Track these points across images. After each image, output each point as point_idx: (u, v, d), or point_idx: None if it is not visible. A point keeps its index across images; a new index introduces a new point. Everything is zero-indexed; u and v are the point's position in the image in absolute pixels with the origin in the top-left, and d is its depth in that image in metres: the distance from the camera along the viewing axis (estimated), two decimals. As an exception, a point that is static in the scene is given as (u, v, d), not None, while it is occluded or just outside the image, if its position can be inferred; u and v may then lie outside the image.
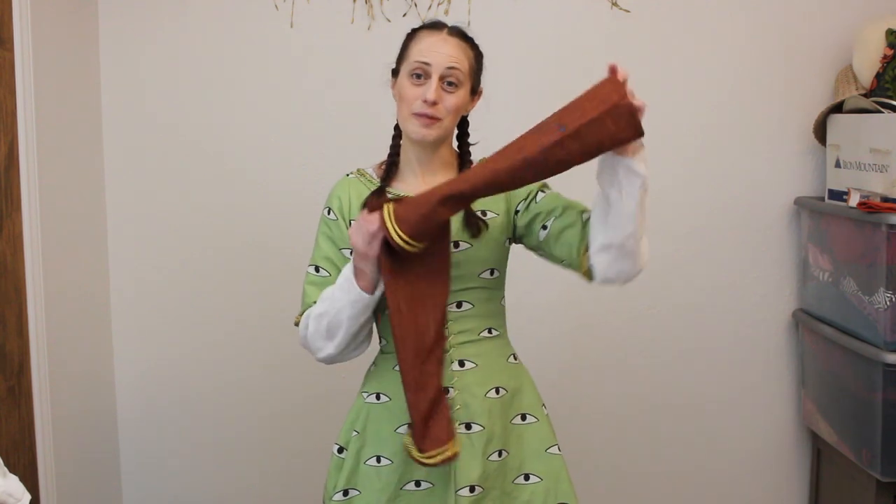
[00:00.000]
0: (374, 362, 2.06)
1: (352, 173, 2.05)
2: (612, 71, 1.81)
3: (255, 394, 3.08)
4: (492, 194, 1.82)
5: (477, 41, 1.99)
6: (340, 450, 2.04)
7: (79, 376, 2.86)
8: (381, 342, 2.04)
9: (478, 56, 1.98)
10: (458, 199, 1.77)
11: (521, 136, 1.78)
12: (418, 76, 1.91)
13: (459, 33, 1.96)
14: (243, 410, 3.10)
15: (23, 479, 1.93)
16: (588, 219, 1.90)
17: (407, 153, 2.00)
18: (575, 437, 3.02)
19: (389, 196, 1.85)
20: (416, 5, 2.91)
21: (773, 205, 3.00)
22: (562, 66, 2.96)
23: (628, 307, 3.03)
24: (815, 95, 2.95)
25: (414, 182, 1.99)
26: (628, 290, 3.00)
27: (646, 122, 3.10)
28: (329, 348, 1.92)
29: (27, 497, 1.79)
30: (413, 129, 1.92)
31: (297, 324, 1.99)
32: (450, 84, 1.91)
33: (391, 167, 2.01)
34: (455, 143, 2.05)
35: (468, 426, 1.95)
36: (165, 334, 3.08)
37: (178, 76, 2.99)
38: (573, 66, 2.96)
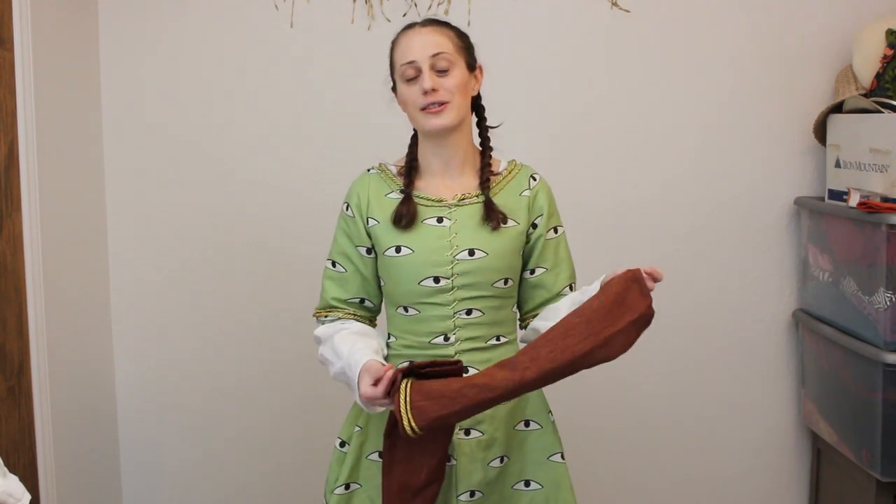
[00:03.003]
0: None
1: (373, 168, 2.06)
2: (647, 276, 1.86)
3: (256, 393, 3.08)
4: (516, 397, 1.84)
5: (455, 24, 2.00)
6: (342, 444, 2.05)
7: (79, 376, 2.86)
8: (388, 338, 2.05)
9: (460, 34, 1.99)
10: (482, 407, 1.77)
11: (550, 339, 1.80)
12: (410, 78, 1.93)
13: (432, 22, 1.98)
14: (244, 410, 3.09)
15: (23, 479, 1.92)
16: (563, 294, 2.01)
17: (426, 156, 2.01)
18: (574, 436, 3.01)
19: (407, 365, 1.81)
20: (416, 5, 2.91)
21: (773, 205, 3.00)
22: (562, 66, 2.96)
23: (628, 307, 3.03)
24: (815, 95, 2.95)
25: (434, 182, 2.00)
26: (628, 290, 3.02)
27: (646, 122, 3.13)
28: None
29: (27, 497, 1.79)
30: (426, 122, 1.94)
31: (315, 316, 2.05)
32: (441, 71, 1.92)
33: (411, 171, 2.02)
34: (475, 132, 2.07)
35: (467, 432, 1.95)
36: (165, 334, 3.08)
37: (178, 76, 2.99)
38: (573, 65, 2.96)
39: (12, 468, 2.09)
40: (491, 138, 2.05)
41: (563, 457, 2.03)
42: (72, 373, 2.80)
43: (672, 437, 3.08)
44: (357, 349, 1.89)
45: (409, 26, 1.98)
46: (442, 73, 1.92)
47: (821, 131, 2.85)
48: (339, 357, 1.92)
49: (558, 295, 2.02)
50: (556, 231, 2.04)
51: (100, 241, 3.01)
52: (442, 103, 1.92)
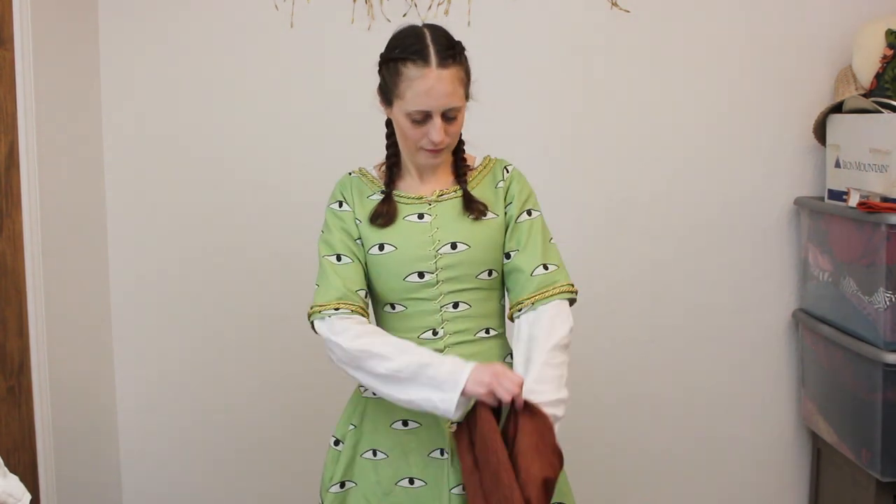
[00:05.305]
0: None
1: (353, 172, 2.07)
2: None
3: (255, 393, 3.08)
4: None
5: (459, 38, 1.94)
6: (337, 442, 2.05)
7: (79, 376, 2.86)
8: None
9: (467, 67, 1.93)
10: None
11: None
12: (417, 120, 1.89)
13: (450, 58, 1.88)
14: (243, 410, 3.10)
15: (23, 479, 1.92)
16: (535, 275, 1.96)
17: (407, 159, 2.01)
18: (573, 436, 3.01)
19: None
20: (416, 5, 2.91)
21: (773, 205, 3.00)
22: (562, 66, 2.96)
23: (628, 307, 3.03)
24: (815, 95, 2.95)
25: (413, 182, 2.02)
26: (629, 289, 3.02)
27: (646, 122, 3.12)
28: (353, 372, 1.92)
29: (27, 497, 1.79)
30: (420, 159, 1.96)
31: (313, 314, 1.94)
32: (450, 119, 1.91)
33: (392, 168, 2.02)
34: None
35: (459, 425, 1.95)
36: (165, 334, 3.08)
37: (177, 76, 2.99)
38: (573, 65, 2.96)
39: (12, 468, 2.09)
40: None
41: None
42: (72, 373, 2.80)
43: (672, 437, 3.08)
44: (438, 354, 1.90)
45: (425, 58, 1.86)
46: (449, 121, 1.91)
47: (821, 131, 2.85)
48: (407, 352, 1.86)
49: (531, 275, 1.96)
50: (529, 214, 2.00)
51: (100, 241, 3.01)
52: (441, 148, 1.93)
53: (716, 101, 2.97)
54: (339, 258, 1.99)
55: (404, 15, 2.88)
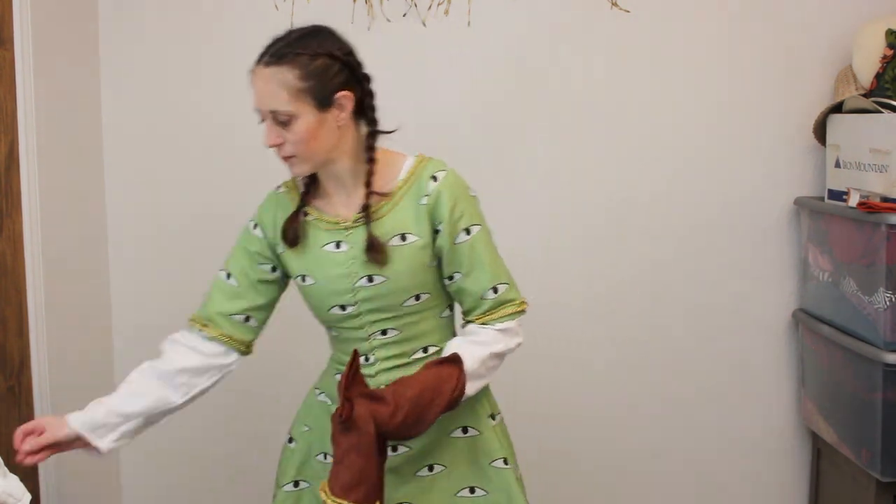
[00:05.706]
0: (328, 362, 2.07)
1: (280, 187, 2.00)
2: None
3: (256, 392, 3.08)
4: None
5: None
6: (291, 440, 2.05)
7: (79, 376, 2.85)
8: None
9: (308, 65, 1.80)
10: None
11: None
12: (262, 120, 1.85)
13: (274, 56, 1.80)
14: (244, 409, 3.09)
15: (23, 479, 1.93)
16: (486, 298, 1.86)
17: (318, 175, 1.93)
18: (572, 436, 3.02)
19: None
20: (416, 5, 2.90)
21: (773, 205, 3.00)
22: (562, 66, 2.96)
23: (628, 307, 3.03)
24: (815, 95, 2.95)
25: (332, 201, 1.91)
26: (628, 289, 3.02)
27: (646, 122, 3.12)
28: None
29: (27, 497, 1.79)
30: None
31: (190, 322, 2.02)
32: (282, 122, 1.80)
33: (309, 187, 1.94)
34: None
35: (394, 448, 1.90)
36: (165, 334, 3.05)
37: (177, 76, 2.99)
38: (573, 66, 2.96)
39: (12, 468, 2.09)
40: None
41: (506, 462, 1.95)
42: (72, 373, 2.79)
43: (671, 437, 3.08)
44: (112, 397, 2.03)
45: (260, 56, 1.83)
46: (283, 126, 1.80)
47: (821, 131, 2.85)
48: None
49: (482, 299, 1.86)
50: (468, 233, 1.85)
51: (100, 242, 3.01)
52: (288, 157, 1.82)
53: (716, 101, 2.97)
54: (228, 276, 1.98)
55: (404, 15, 2.88)
